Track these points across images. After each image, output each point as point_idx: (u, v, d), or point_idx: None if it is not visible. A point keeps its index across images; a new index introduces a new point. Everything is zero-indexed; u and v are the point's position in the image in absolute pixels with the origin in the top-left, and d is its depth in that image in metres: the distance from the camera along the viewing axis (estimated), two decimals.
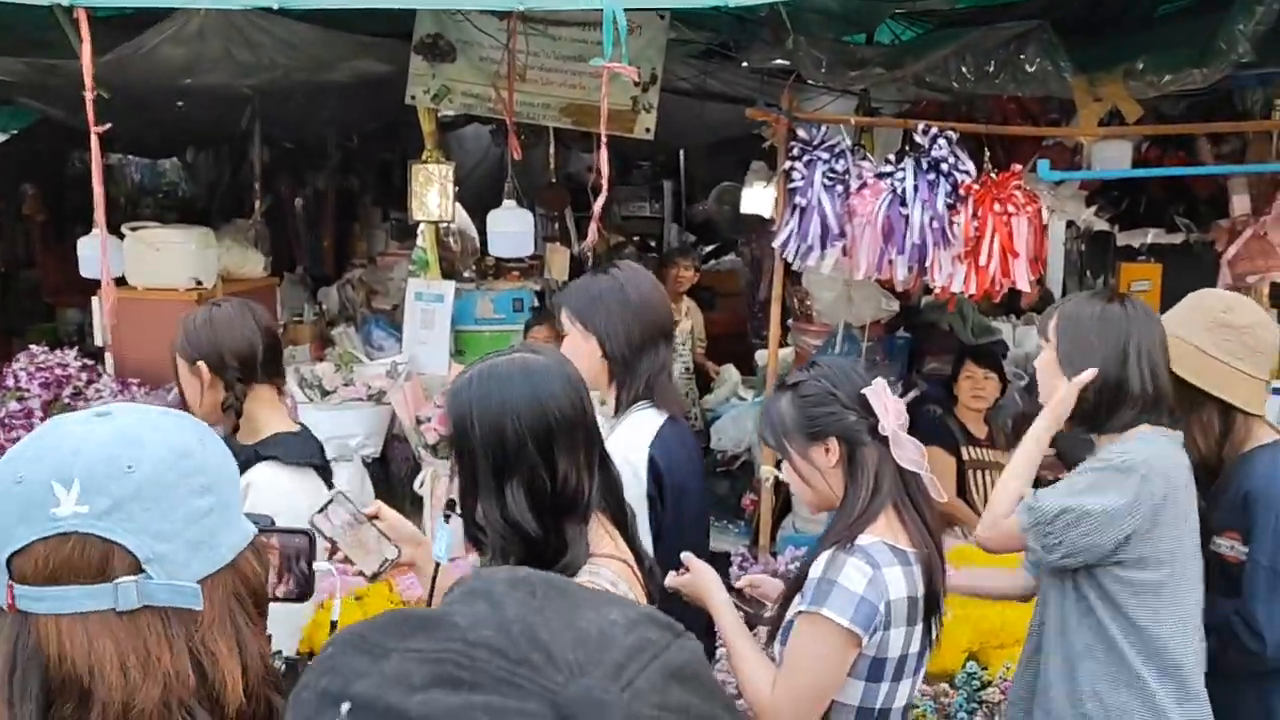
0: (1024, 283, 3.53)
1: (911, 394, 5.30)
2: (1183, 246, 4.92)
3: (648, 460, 2.27)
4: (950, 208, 3.53)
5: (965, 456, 4.39)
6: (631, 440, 2.28)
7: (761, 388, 6.21)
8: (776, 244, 3.73)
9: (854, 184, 3.61)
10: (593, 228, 3.06)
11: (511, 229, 3.92)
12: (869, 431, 1.90)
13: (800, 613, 1.82)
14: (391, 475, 4.30)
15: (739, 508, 5.21)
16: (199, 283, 4.55)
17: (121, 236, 4.43)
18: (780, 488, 4.12)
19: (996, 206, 3.47)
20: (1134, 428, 2.18)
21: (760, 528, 3.98)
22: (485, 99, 4.23)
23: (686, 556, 2.04)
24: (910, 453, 1.90)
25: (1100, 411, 2.20)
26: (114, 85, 3.50)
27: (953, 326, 5.59)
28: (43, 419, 4.03)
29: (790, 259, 3.73)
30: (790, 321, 5.37)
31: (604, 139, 2.92)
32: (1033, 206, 3.52)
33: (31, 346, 4.41)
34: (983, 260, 3.48)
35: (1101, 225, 4.72)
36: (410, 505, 4.27)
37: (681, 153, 9.17)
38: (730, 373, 6.47)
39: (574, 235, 7.34)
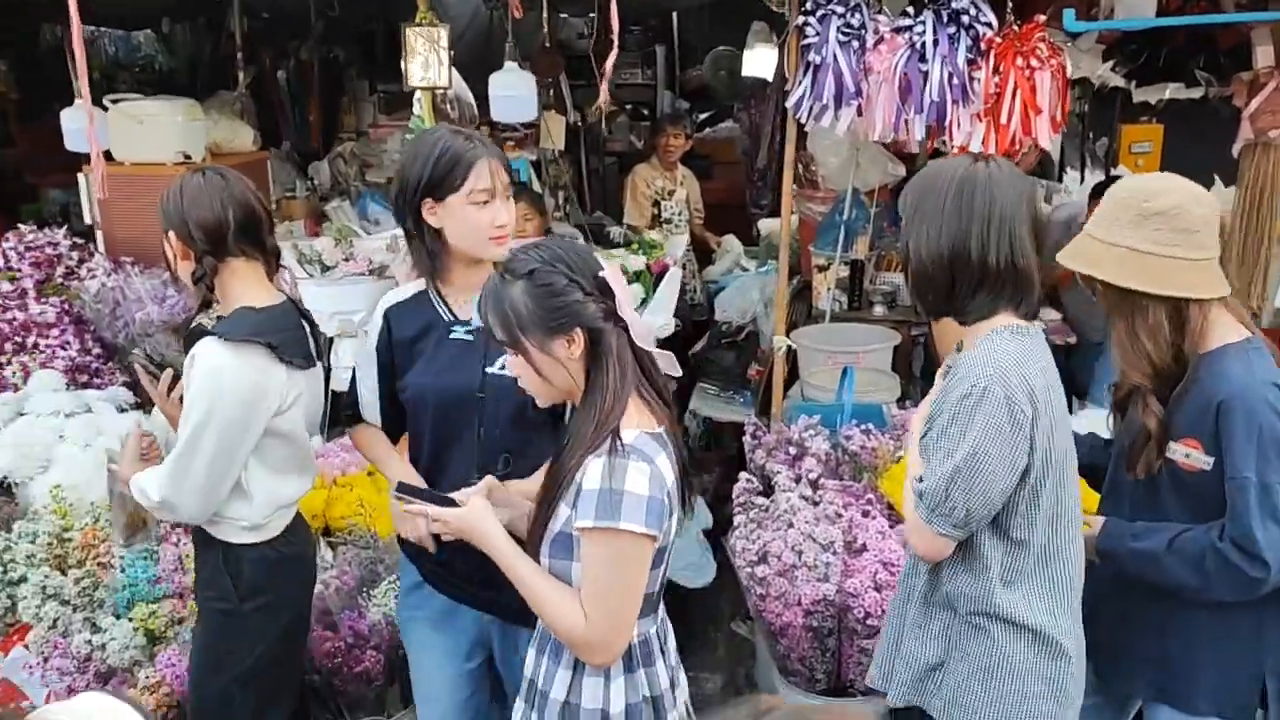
0: (1045, 140, 3.42)
1: None
2: (1199, 103, 4.79)
3: None
4: (970, 63, 3.39)
5: None
6: None
7: (764, 257, 6.13)
8: (789, 104, 3.59)
9: (870, 39, 3.46)
10: (603, 88, 2.93)
11: (515, 92, 3.76)
12: (608, 316, 1.78)
13: (588, 529, 1.71)
14: None
15: (744, 378, 5.19)
16: (187, 157, 4.40)
17: (104, 109, 4.26)
18: (791, 356, 4.08)
19: (1019, 61, 3.33)
20: (991, 318, 1.93)
21: (774, 397, 3.95)
22: None
23: (463, 493, 1.92)
24: (644, 332, 1.81)
25: (955, 292, 1.94)
26: None
27: None
28: (37, 299, 3.94)
29: (803, 120, 3.60)
30: (795, 189, 5.25)
31: None
32: (1056, 60, 3.38)
33: (20, 226, 4.28)
34: (1004, 118, 3.36)
35: (1117, 81, 4.57)
36: None
37: (675, 16, 8.85)
38: (732, 243, 6.39)
39: (569, 102, 7.13)
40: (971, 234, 1.89)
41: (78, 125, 3.76)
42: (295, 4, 7.19)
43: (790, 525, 3.10)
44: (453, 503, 1.93)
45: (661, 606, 1.94)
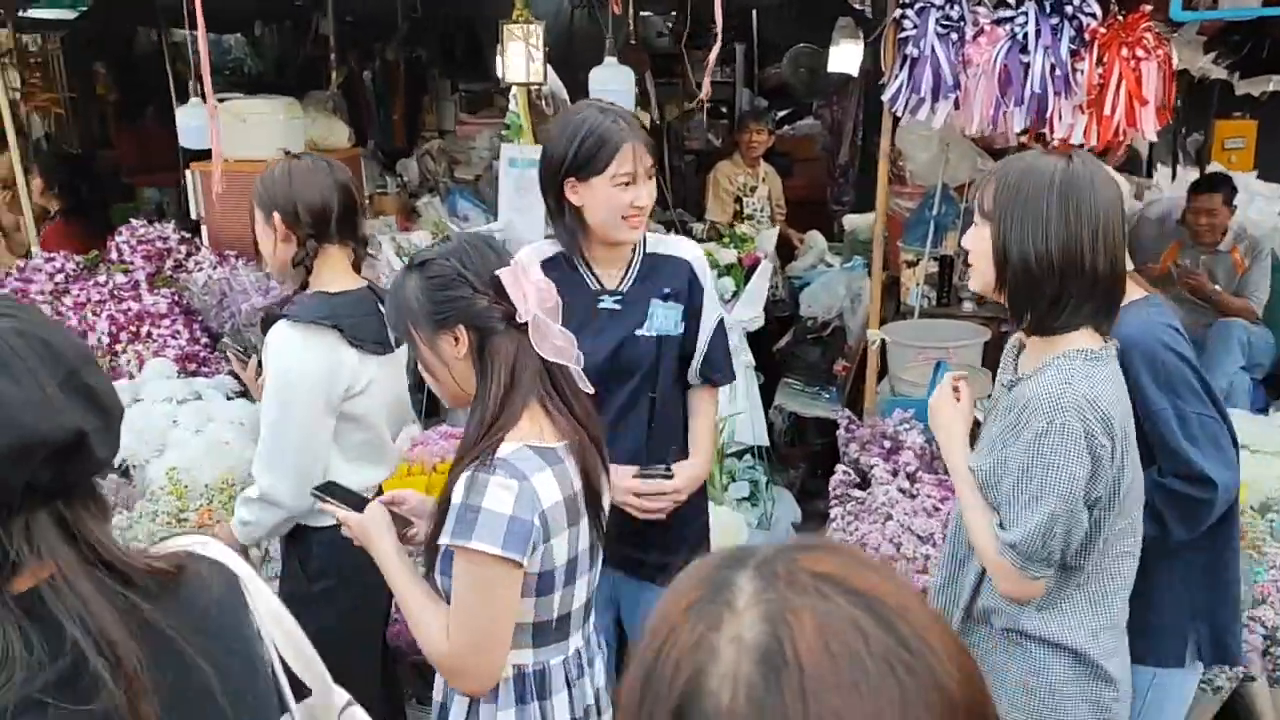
0: (1150, 131, 3.37)
1: None
2: None
3: None
4: (1073, 54, 3.36)
5: None
6: None
7: (848, 254, 6.10)
8: (886, 97, 3.59)
9: (969, 31, 3.45)
10: (705, 80, 2.96)
11: (614, 86, 3.81)
12: (504, 318, 1.65)
13: (446, 545, 1.61)
14: None
15: (829, 373, 5.18)
16: (288, 153, 4.52)
17: None
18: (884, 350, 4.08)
19: (1124, 51, 3.29)
20: (1073, 331, 1.84)
21: (866, 390, 3.94)
22: None
23: (386, 497, 1.88)
24: (554, 341, 1.67)
25: (1061, 303, 1.81)
26: None
27: None
28: (149, 290, 4.08)
29: (900, 113, 3.59)
30: None
31: None
32: (1162, 50, 3.34)
33: (132, 220, 4.45)
34: (1107, 109, 3.32)
35: (1218, 73, 4.47)
36: None
37: (754, 14, 8.85)
38: (816, 239, 6.38)
39: (654, 100, 7.18)
40: (1084, 241, 1.77)
41: (197, 122, 3.89)
42: (381, 6, 7.35)
43: (889, 518, 3.10)
44: (366, 504, 1.88)
45: (581, 637, 1.81)
